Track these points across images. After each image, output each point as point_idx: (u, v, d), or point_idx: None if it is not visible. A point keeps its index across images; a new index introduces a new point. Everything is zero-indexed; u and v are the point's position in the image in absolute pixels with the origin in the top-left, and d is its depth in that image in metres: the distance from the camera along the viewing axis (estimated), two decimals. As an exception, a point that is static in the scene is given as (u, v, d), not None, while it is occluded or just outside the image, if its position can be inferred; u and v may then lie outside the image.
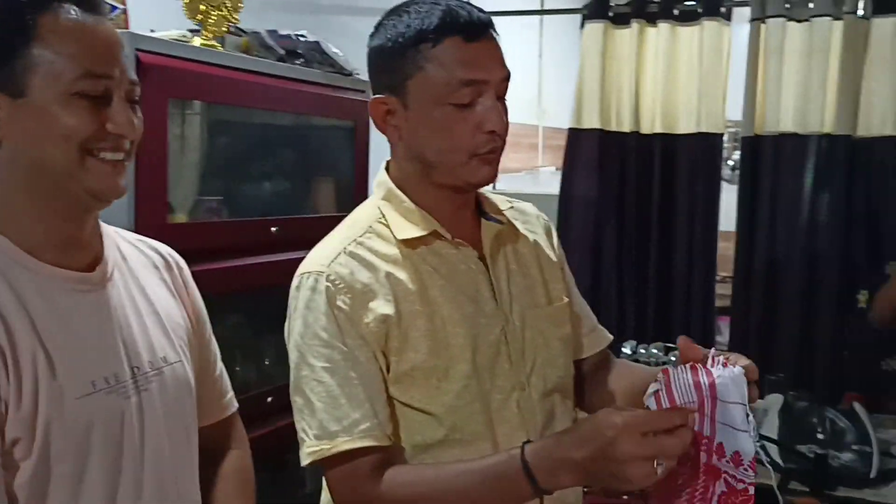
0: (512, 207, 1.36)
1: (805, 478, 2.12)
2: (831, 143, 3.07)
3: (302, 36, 2.21)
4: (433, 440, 1.18)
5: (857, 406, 2.50)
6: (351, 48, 2.51)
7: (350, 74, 2.33)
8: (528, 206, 1.41)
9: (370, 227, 1.21)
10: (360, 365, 1.14)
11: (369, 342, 1.14)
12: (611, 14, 3.35)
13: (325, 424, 1.12)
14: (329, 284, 1.15)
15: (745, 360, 1.03)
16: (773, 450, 2.27)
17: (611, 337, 1.44)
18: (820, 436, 2.36)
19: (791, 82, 3.13)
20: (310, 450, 1.13)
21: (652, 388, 1.01)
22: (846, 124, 3.03)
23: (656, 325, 3.39)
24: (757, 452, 1.00)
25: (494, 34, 1.17)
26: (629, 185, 3.41)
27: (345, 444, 1.11)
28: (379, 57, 1.18)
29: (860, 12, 3.00)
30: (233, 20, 2.01)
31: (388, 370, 1.16)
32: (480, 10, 1.16)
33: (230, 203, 2.09)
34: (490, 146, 1.15)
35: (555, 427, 1.25)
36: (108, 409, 1.05)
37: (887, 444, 2.43)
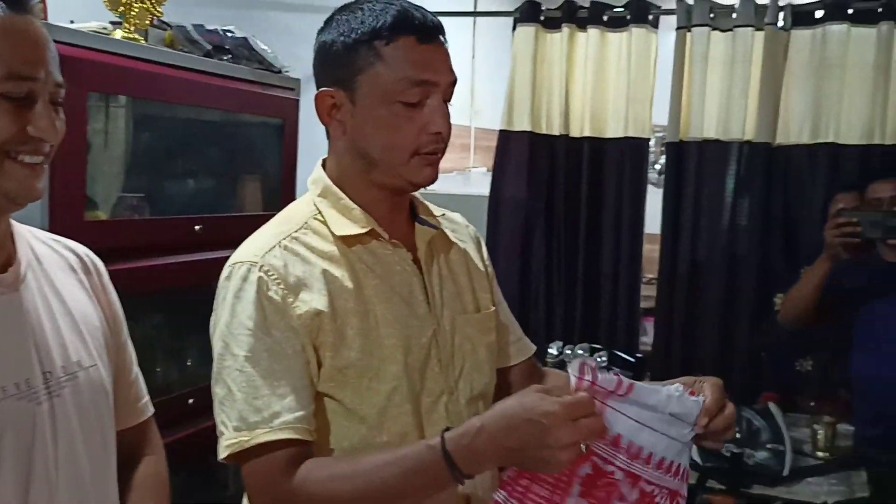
0: (444, 215, 1.37)
1: (722, 476, 2.18)
2: (752, 150, 3.17)
3: (230, 31, 2.17)
4: (361, 442, 1.16)
5: (772, 406, 2.59)
6: (280, 45, 2.48)
7: (279, 72, 2.30)
8: (458, 217, 1.42)
9: (306, 223, 1.19)
10: (285, 357, 1.11)
11: (299, 334, 1.12)
12: (542, 18, 3.39)
13: (245, 415, 1.09)
14: (262, 275, 1.13)
15: (709, 392, 1.07)
16: (693, 449, 2.33)
17: (535, 347, 1.46)
18: (737, 435, 2.43)
19: (714, 90, 3.22)
20: (228, 442, 1.10)
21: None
22: (766, 132, 3.13)
23: (583, 326, 3.45)
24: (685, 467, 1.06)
25: (444, 40, 1.18)
26: (558, 188, 3.46)
27: (264, 435, 1.07)
28: (329, 50, 1.17)
29: (780, 24, 3.11)
30: (156, 13, 1.97)
31: (319, 366, 1.15)
32: (433, 14, 1.17)
33: (153, 200, 2.04)
34: (433, 147, 1.16)
35: None
36: (19, 415, 1.02)
37: (800, 442, 2.52)
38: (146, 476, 1.25)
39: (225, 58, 2.15)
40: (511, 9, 3.50)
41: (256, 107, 2.25)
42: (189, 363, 2.17)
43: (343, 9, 1.18)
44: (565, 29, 3.35)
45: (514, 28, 3.42)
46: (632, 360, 2.88)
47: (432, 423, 1.20)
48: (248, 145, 2.38)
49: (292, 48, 2.75)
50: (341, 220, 1.19)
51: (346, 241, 1.18)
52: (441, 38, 1.17)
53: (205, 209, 2.14)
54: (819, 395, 2.87)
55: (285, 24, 2.80)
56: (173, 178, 2.20)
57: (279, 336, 1.12)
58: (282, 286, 1.13)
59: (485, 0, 4.36)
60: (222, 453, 1.11)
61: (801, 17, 3.12)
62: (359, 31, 1.13)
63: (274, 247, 1.16)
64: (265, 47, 2.25)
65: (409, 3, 1.16)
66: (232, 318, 1.13)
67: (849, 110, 3.07)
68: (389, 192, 1.21)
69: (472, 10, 4.15)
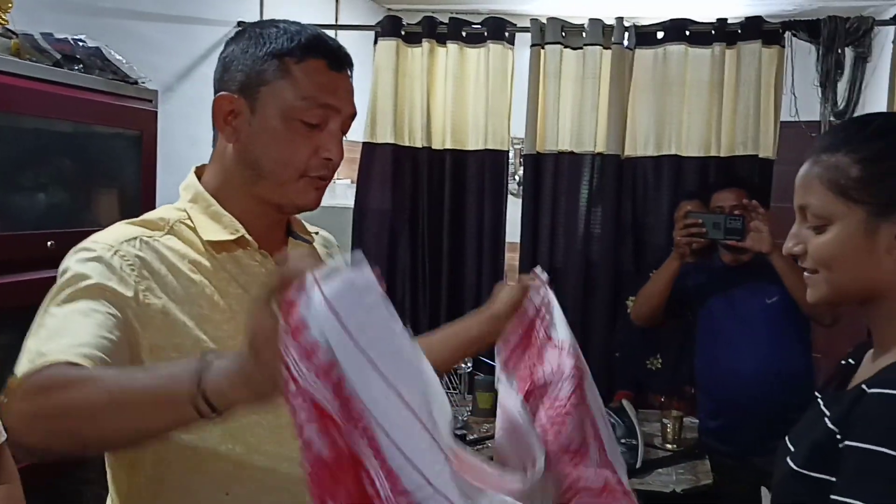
0: (318, 233, 1.38)
1: (581, 471, 2.28)
2: (603, 162, 3.35)
3: (81, 40, 2.10)
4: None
5: (626, 403, 2.74)
6: (136, 55, 2.42)
7: (136, 82, 2.24)
8: (332, 238, 1.44)
9: (172, 226, 1.16)
10: (103, 311, 1.02)
11: (130, 315, 1.04)
12: (403, 33, 3.46)
13: (42, 346, 0.96)
14: (116, 258, 1.06)
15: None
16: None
17: None
18: (594, 432, 2.56)
19: (567, 105, 3.38)
20: (19, 374, 0.94)
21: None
22: (615, 144, 3.31)
23: (448, 334, 3.51)
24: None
25: (351, 74, 1.20)
26: (421, 199, 3.53)
27: (57, 355, 0.94)
28: (237, 58, 1.16)
29: (626, 43, 3.30)
30: (1, 21, 1.88)
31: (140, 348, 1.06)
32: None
33: (1, 215, 1.94)
34: (322, 172, 1.16)
35: None
36: None
37: (651, 436, 2.68)
38: None
39: (76, 68, 2.08)
40: (372, 22, 3.55)
41: (111, 118, 2.19)
42: (42, 385, 2.07)
43: (257, 24, 1.19)
44: (425, 44, 3.43)
45: (375, 42, 3.47)
46: (495, 364, 2.97)
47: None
48: (103, 158, 2.30)
49: (149, 58, 2.69)
50: (210, 225, 1.17)
51: (213, 246, 1.16)
52: (349, 70, 1.19)
53: (57, 224, 2.05)
54: (668, 391, 3.05)
55: (141, 33, 2.72)
56: (23, 192, 2.09)
57: (111, 299, 1.03)
58: (135, 272, 1.07)
59: (346, 13, 4.39)
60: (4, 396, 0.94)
61: (644, 38, 3.33)
62: (271, 45, 1.13)
63: (135, 238, 1.11)
64: (120, 57, 2.18)
65: (325, 33, 1.19)
66: (64, 284, 1.04)
67: (688, 125, 3.30)
68: (271, 209, 1.20)
69: (333, 23, 4.16)
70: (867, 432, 0.98)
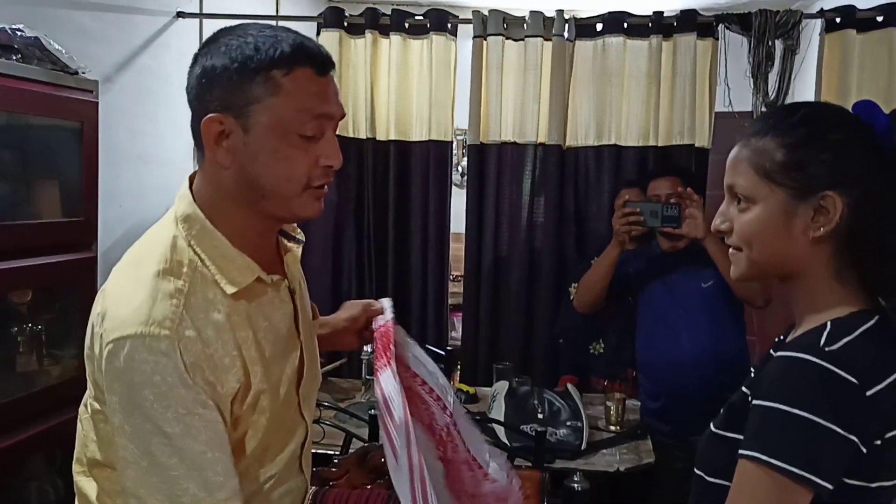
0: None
1: (528, 454, 2.34)
2: (545, 152, 3.41)
3: (19, 30, 2.06)
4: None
5: (571, 387, 2.81)
6: (76, 45, 2.39)
7: (76, 73, 2.21)
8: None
9: (192, 270, 1.09)
10: (217, 426, 1.06)
11: (220, 407, 1.07)
12: (345, 24, 3.46)
13: (208, 480, 1.04)
14: (181, 349, 1.03)
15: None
16: (501, 431, 2.49)
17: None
18: (540, 415, 2.62)
19: (510, 96, 3.43)
20: None
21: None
22: (557, 135, 3.37)
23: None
24: None
25: (333, 74, 1.16)
26: (366, 190, 3.54)
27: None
28: (217, 76, 1.08)
29: (566, 35, 3.36)
30: (-64, 9, 1.84)
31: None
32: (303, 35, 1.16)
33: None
34: (324, 181, 1.14)
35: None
36: None
37: (595, 419, 2.75)
38: None
39: (14, 58, 2.04)
40: (314, 14, 3.54)
41: (51, 109, 2.15)
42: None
43: (227, 32, 1.12)
44: (368, 35, 3.44)
45: (317, 33, 3.46)
46: (442, 353, 3.02)
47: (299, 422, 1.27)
48: (43, 149, 2.27)
49: (88, 48, 2.65)
50: (228, 272, 1.12)
51: (235, 294, 1.12)
52: (334, 72, 1.16)
53: (-4, 217, 2.02)
54: (610, 375, 3.13)
55: (81, 23, 2.68)
56: (-42, 185, 2.06)
57: (211, 408, 1.05)
58: (203, 362, 1.05)
59: (287, 4, 4.37)
60: None
61: (583, 30, 3.39)
62: (254, 59, 1.07)
63: (176, 309, 1.04)
64: (59, 47, 2.15)
65: (298, 33, 1.14)
66: (157, 396, 1.02)
67: (627, 115, 3.38)
68: (274, 222, 1.19)
69: (274, 13, 4.14)
70: (768, 391, 1.05)
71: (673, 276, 2.73)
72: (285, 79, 1.07)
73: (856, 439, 1.01)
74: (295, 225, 1.32)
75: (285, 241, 1.28)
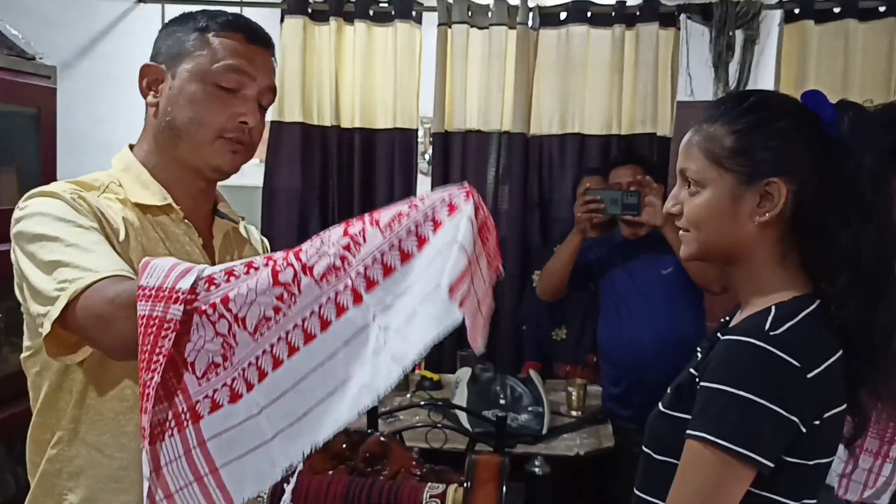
0: (244, 221, 1.43)
1: (489, 439, 2.37)
2: (510, 140, 3.43)
3: (-26, 14, 2.04)
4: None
5: (533, 373, 2.84)
6: (33, 31, 2.36)
7: (33, 58, 2.19)
8: (255, 231, 1.49)
9: (107, 187, 1.20)
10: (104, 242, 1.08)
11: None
12: (309, 11, 3.44)
13: (82, 265, 1.00)
14: (75, 200, 1.11)
15: None
16: (463, 417, 2.52)
17: None
18: (502, 401, 2.65)
19: (474, 84, 3.44)
20: (64, 291, 0.97)
21: None
22: (521, 123, 3.39)
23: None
24: None
25: (272, 55, 1.27)
26: (331, 177, 3.54)
27: (106, 272, 0.98)
28: (169, 32, 1.24)
29: (530, 24, 3.38)
30: None
31: None
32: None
33: None
34: (237, 135, 1.21)
35: None
36: None
37: (556, 404, 2.79)
38: None
39: (-31, 42, 2.02)
40: (278, 0, 3.51)
41: (7, 95, 2.13)
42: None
43: (189, 11, 1.27)
44: (333, 22, 3.43)
45: (281, 20, 3.44)
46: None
47: None
48: (0, 135, 2.24)
49: (47, 34, 2.61)
50: (139, 191, 1.22)
51: (141, 209, 1.21)
52: (268, 49, 1.26)
53: (-48, 204, 2.00)
54: (572, 360, 3.17)
55: (39, 9, 2.64)
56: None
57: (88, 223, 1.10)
58: (92, 213, 1.12)
59: (252, -10, 4.33)
60: (54, 313, 0.97)
61: (547, 19, 3.41)
62: (195, 21, 1.23)
63: (74, 190, 1.15)
64: (16, 32, 2.13)
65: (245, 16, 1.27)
66: (41, 217, 1.09)
67: (591, 104, 3.41)
68: (193, 174, 1.24)
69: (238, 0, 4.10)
70: (714, 373, 1.10)
71: (634, 263, 2.76)
72: (214, 38, 1.21)
73: (796, 420, 1.05)
74: (234, 212, 1.38)
75: (218, 218, 1.33)
